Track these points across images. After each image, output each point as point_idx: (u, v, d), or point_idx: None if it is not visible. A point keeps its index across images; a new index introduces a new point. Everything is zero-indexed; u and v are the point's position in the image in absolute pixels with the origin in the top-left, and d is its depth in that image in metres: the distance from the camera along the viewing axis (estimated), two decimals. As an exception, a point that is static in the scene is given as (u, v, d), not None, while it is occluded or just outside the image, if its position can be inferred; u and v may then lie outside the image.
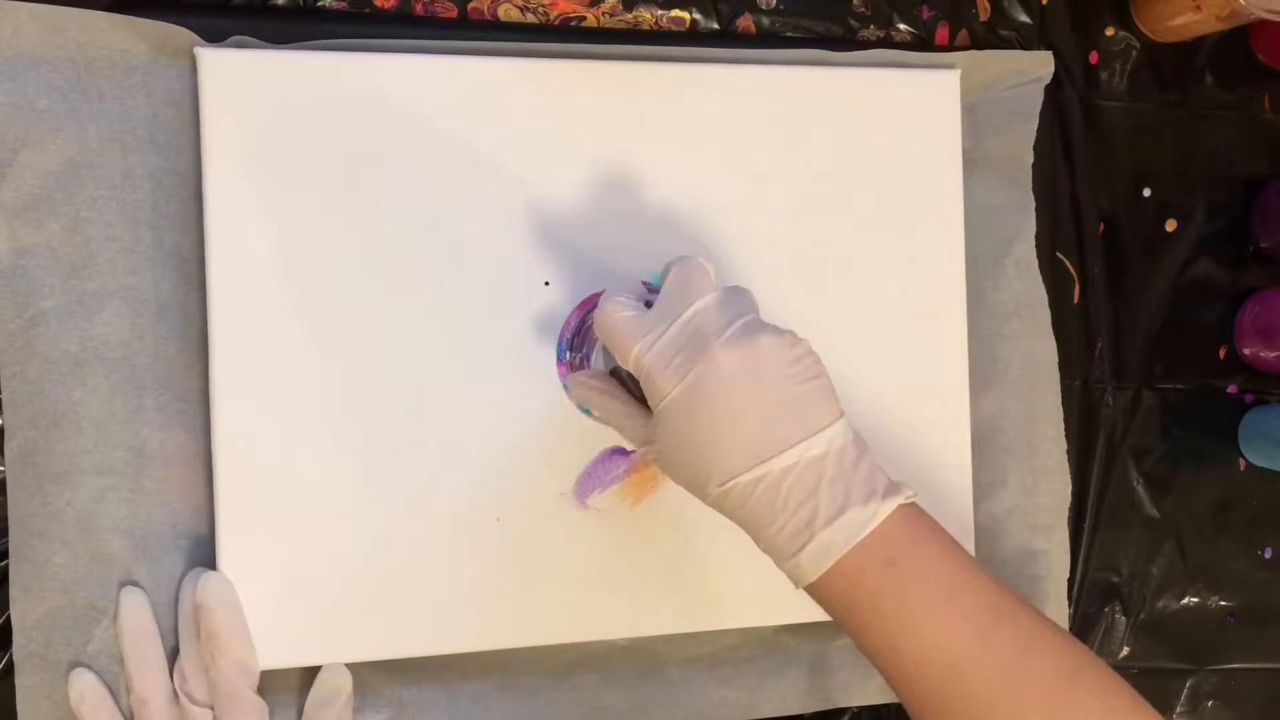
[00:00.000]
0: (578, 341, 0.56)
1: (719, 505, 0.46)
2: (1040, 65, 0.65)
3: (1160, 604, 0.71)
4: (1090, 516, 0.69)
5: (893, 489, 0.45)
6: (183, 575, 0.54)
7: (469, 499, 0.56)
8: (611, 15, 0.62)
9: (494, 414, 0.56)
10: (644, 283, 0.57)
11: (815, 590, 0.45)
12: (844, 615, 0.45)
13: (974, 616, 0.44)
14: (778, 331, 0.45)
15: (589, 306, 0.56)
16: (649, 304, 0.48)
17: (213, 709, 0.53)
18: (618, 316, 0.47)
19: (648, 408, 0.48)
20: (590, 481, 0.58)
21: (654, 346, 0.45)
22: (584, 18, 0.61)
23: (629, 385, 0.50)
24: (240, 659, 0.53)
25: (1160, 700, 0.72)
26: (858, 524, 0.44)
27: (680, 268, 0.48)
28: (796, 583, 0.46)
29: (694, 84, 0.59)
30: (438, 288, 0.56)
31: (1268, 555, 0.73)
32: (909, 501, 0.45)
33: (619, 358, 0.47)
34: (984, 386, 0.64)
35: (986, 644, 0.44)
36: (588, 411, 0.57)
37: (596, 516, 0.58)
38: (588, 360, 0.54)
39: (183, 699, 0.52)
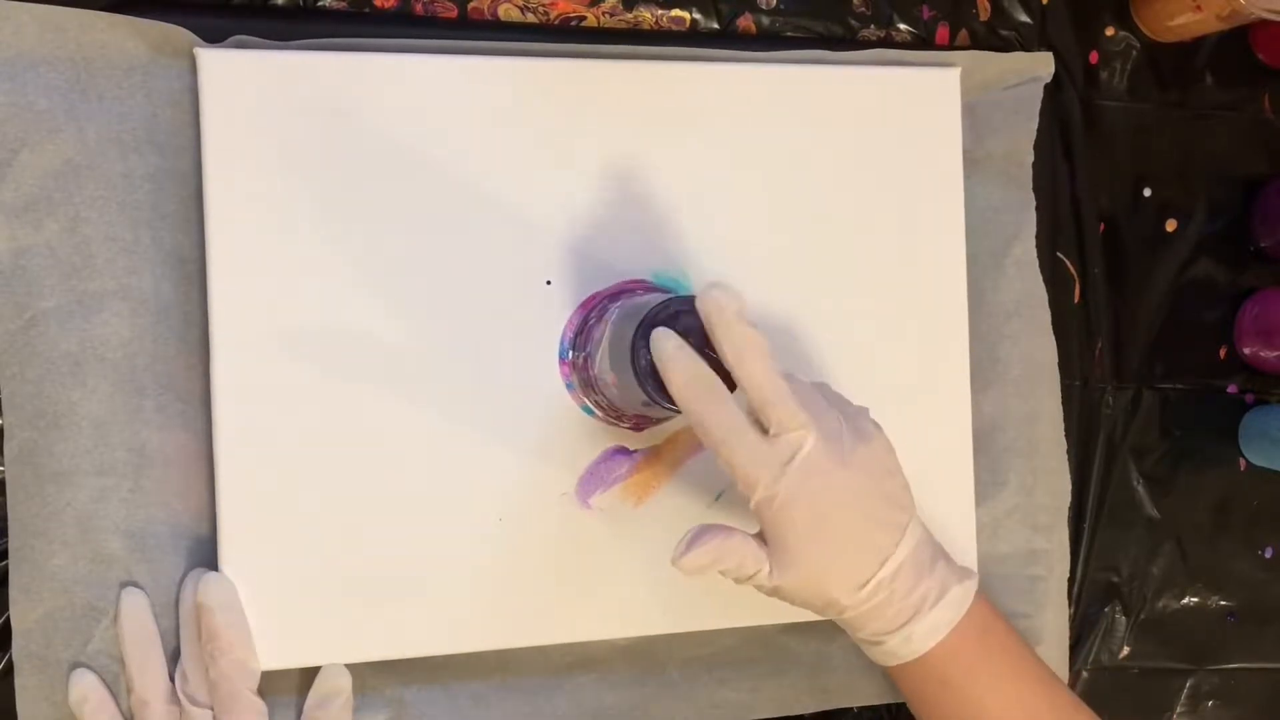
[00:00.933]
0: (580, 340, 0.55)
1: (852, 610, 0.49)
2: (1040, 65, 0.65)
3: (1160, 604, 0.71)
4: (1090, 516, 0.69)
5: (964, 568, 0.52)
6: (183, 576, 0.54)
7: (470, 499, 0.56)
8: (611, 15, 0.62)
9: (495, 414, 0.56)
10: (645, 281, 0.57)
11: (909, 666, 0.50)
12: (936, 686, 0.50)
13: (1040, 682, 0.52)
14: (868, 437, 0.49)
15: (591, 306, 0.56)
16: (660, 295, 0.48)
17: (213, 709, 0.53)
18: (739, 437, 0.47)
19: (667, 409, 0.48)
20: (592, 481, 0.58)
21: (776, 487, 0.47)
22: (584, 18, 0.61)
23: (648, 387, 0.48)
24: (241, 660, 0.52)
25: (1160, 700, 0.72)
26: (959, 601, 0.50)
27: (782, 402, 0.47)
28: (894, 660, 0.50)
29: (694, 84, 0.59)
30: (438, 287, 0.56)
31: (1268, 555, 0.73)
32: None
33: (743, 487, 0.47)
34: (984, 386, 0.64)
35: (1053, 707, 0.52)
36: (590, 412, 0.57)
37: (598, 516, 0.58)
38: (591, 360, 0.54)
39: (183, 699, 0.52)
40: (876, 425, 0.51)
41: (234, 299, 0.53)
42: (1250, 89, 0.72)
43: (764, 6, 0.64)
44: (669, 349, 0.46)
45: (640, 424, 0.57)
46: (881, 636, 0.50)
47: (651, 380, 0.47)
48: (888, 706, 0.66)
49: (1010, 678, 0.51)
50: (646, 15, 0.62)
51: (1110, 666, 0.70)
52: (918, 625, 0.49)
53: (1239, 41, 0.72)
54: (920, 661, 0.50)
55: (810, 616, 0.58)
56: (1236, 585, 0.72)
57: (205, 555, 0.55)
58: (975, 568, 0.63)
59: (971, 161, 0.64)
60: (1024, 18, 0.67)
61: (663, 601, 0.59)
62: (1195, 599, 0.72)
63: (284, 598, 0.54)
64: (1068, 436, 0.66)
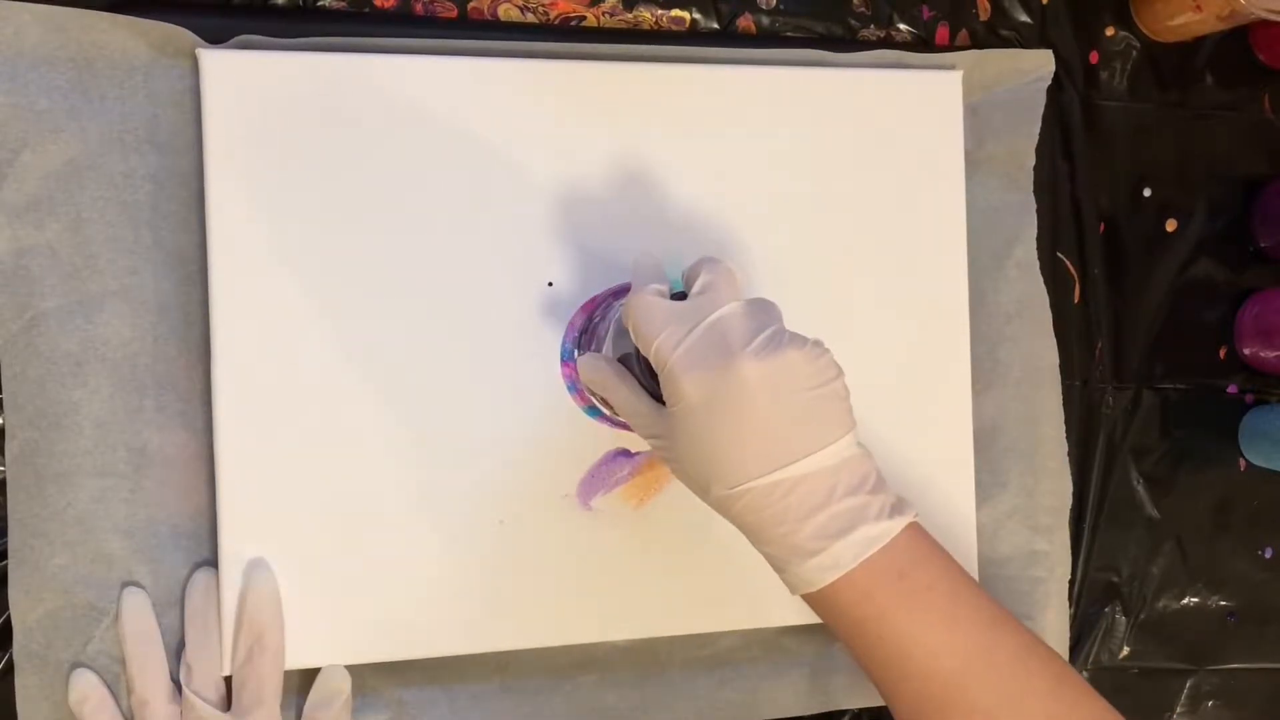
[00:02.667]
0: (585, 339, 0.55)
1: (722, 507, 0.46)
2: (1041, 64, 0.65)
3: (1160, 604, 0.71)
4: (1090, 517, 0.69)
5: (899, 507, 0.46)
6: (188, 576, 0.54)
7: (471, 501, 0.56)
8: (611, 15, 0.62)
9: (497, 416, 0.56)
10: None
11: (817, 598, 0.46)
12: (848, 625, 0.46)
13: (977, 625, 0.46)
14: (802, 343, 0.45)
15: (593, 307, 0.56)
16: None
17: (229, 706, 0.53)
18: (652, 303, 0.46)
19: (656, 398, 0.47)
20: (594, 483, 0.58)
21: (679, 346, 0.45)
22: (584, 18, 0.61)
23: (636, 372, 0.49)
24: (278, 663, 0.53)
25: (1160, 700, 0.72)
26: (869, 540, 0.44)
27: (710, 269, 0.47)
28: (795, 589, 0.46)
29: (694, 84, 0.59)
30: (439, 289, 0.56)
31: (1268, 555, 0.73)
32: (914, 519, 0.46)
33: (642, 346, 0.47)
34: (985, 388, 0.64)
35: (990, 651, 0.46)
36: (594, 413, 0.57)
37: (600, 518, 0.58)
38: None
39: (188, 694, 0.52)
40: (826, 353, 0.46)
41: (235, 299, 0.53)
42: (1250, 89, 0.72)
43: (764, 6, 0.64)
44: (581, 361, 0.51)
45: None
46: (780, 559, 0.46)
47: (642, 370, 0.48)
48: (887, 708, 0.66)
49: (938, 623, 0.45)
50: (646, 15, 0.62)
51: (1110, 666, 0.70)
52: (815, 558, 0.44)
53: (1239, 41, 0.72)
54: (827, 596, 0.45)
55: (813, 618, 0.58)
56: (1236, 585, 0.72)
57: (205, 555, 0.55)
58: (976, 570, 0.63)
59: (972, 163, 0.64)
60: (1024, 18, 0.67)
61: (664, 603, 0.59)
62: (1195, 599, 0.72)
63: (284, 599, 0.54)
64: (1068, 437, 0.66)
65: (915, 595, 0.45)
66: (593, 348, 0.54)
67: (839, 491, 0.44)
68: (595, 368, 0.51)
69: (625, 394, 0.49)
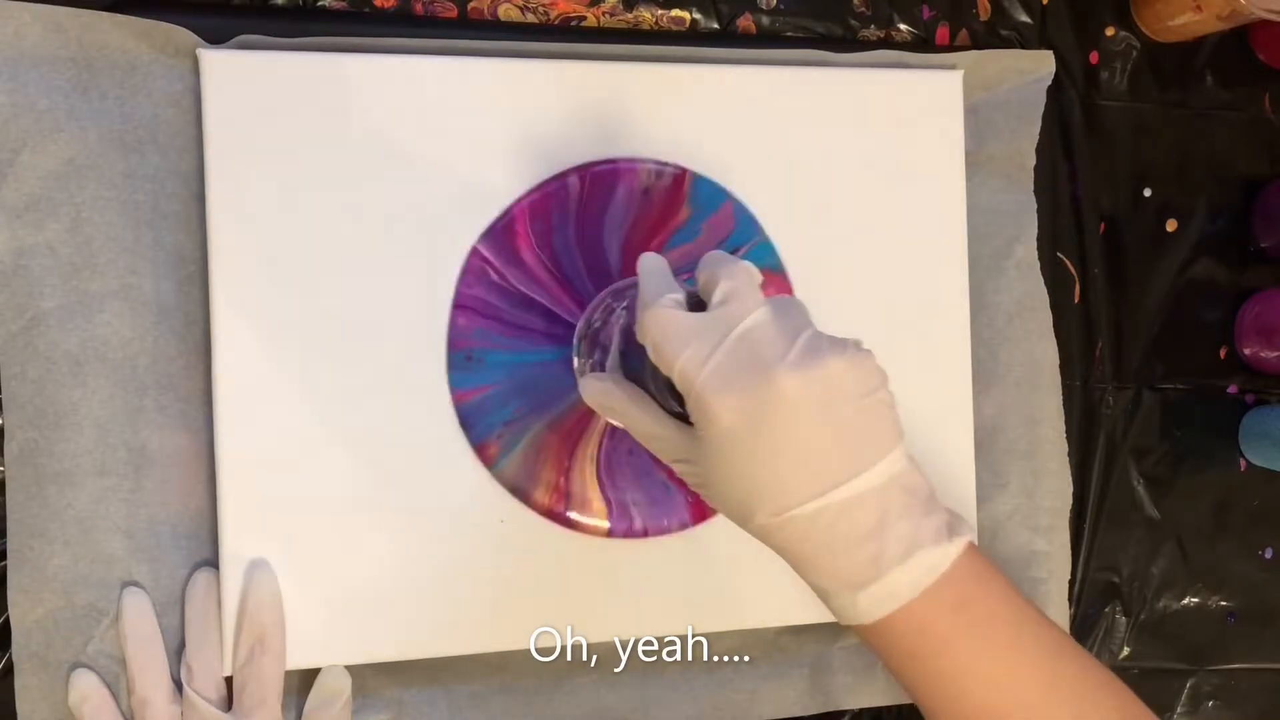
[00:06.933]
0: (585, 346, 0.54)
1: (763, 535, 0.42)
2: (1041, 64, 0.65)
3: (1160, 604, 0.71)
4: (1090, 517, 0.69)
5: (955, 526, 0.42)
6: (188, 576, 0.54)
7: (472, 500, 0.56)
8: (611, 15, 0.62)
9: (495, 414, 0.56)
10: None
11: (868, 629, 0.42)
12: (900, 656, 0.43)
13: (1039, 657, 0.43)
14: (843, 347, 0.41)
15: (594, 307, 0.56)
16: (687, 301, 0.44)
17: (230, 707, 0.53)
18: (670, 318, 0.42)
19: (678, 416, 0.44)
20: (594, 483, 0.57)
21: (707, 364, 0.41)
22: (584, 18, 0.61)
23: (653, 390, 0.46)
24: (279, 664, 0.53)
25: (1160, 700, 0.72)
26: (928, 566, 0.41)
27: (729, 273, 0.43)
28: (848, 621, 0.43)
29: (694, 84, 0.59)
30: (440, 288, 0.56)
31: (1268, 555, 0.73)
32: (970, 540, 0.43)
33: (663, 366, 0.42)
34: (985, 388, 0.64)
35: (1052, 685, 0.43)
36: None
37: (598, 517, 0.58)
38: (600, 367, 0.51)
39: (189, 694, 0.52)
40: (869, 357, 0.42)
41: (235, 299, 0.53)
42: (1250, 89, 0.72)
43: (764, 6, 0.64)
44: (584, 384, 0.48)
45: None
46: (829, 590, 0.42)
47: (659, 386, 0.45)
48: (888, 709, 0.66)
49: (1000, 657, 0.42)
50: (646, 15, 0.62)
51: (1110, 666, 0.70)
52: (869, 588, 0.41)
53: (1239, 41, 0.72)
54: (879, 628, 0.42)
55: (812, 618, 0.58)
56: (1236, 585, 0.72)
57: (205, 555, 0.55)
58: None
59: (973, 163, 0.64)
60: (1024, 18, 0.67)
61: (664, 604, 0.59)
62: (1195, 599, 0.72)
63: (285, 599, 0.54)
64: (1068, 437, 0.66)
65: (976, 628, 0.42)
66: (595, 357, 0.52)
67: (893, 513, 0.41)
68: (604, 391, 0.47)
69: (642, 417, 0.45)
